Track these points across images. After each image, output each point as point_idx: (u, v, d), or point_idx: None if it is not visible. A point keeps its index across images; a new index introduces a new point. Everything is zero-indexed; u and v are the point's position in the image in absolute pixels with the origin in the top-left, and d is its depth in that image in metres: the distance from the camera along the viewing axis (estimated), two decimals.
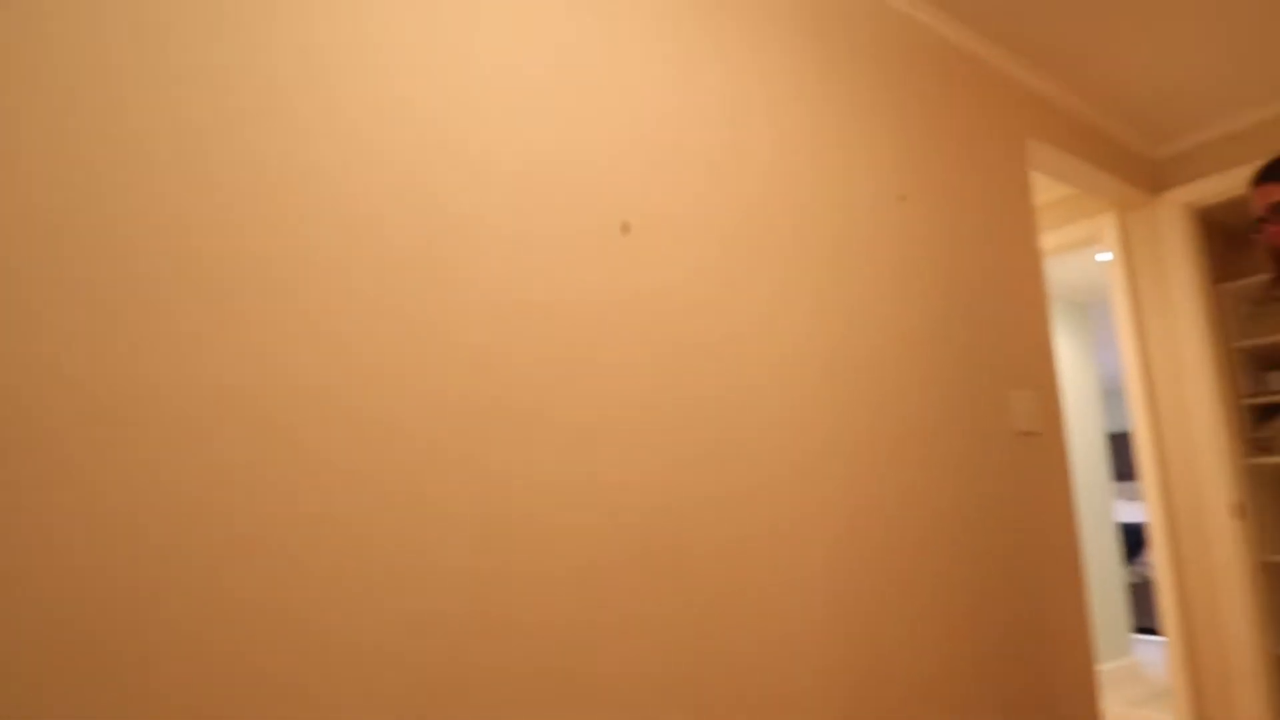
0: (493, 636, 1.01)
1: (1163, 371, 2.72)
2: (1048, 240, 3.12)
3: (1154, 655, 4.39)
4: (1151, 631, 5.19)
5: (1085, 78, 2.38)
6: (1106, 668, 3.85)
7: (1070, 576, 1.93)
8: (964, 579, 1.67)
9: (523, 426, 1.10)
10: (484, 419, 1.06)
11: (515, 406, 1.10)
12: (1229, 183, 2.61)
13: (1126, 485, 7.33)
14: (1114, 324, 4.99)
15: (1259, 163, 2.49)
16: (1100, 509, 4.18)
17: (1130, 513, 6.06)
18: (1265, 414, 2.91)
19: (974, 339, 1.88)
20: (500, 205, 1.14)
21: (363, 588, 0.92)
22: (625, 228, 1.29)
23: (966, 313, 1.88)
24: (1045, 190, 3.11)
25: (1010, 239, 2.07)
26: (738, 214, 1.46)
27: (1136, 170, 2.75)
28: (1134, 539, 5.36)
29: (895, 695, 1.47)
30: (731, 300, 1.41)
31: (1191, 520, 2.59)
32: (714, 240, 1.41)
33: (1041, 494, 1.92)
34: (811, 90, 1.67)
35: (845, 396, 1.55)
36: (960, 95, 2.06)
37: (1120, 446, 7.25)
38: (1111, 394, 7.76)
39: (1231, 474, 2.53)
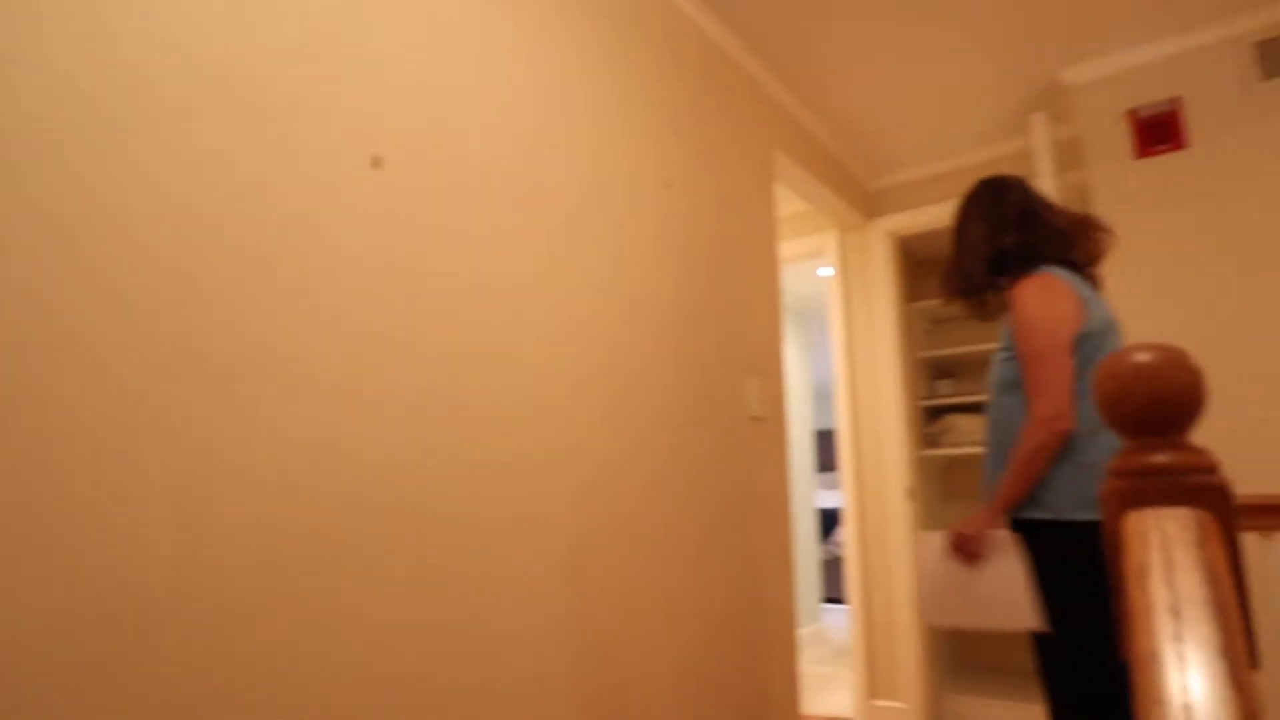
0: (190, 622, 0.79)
1: (864, 376, 3.12)
2: (779, 250, 3.43)
3: (839, 621, 5.10)
4: (838, 601, 6.04)
5: (826, 103, 2.63)
6: (800, 632, 4.37)
7: (783, 551, 2.11)
8: (699, 549, 1.73)
9: (242, 380, 0.88)
10: (198, 374, 0.83)
11: (236, 354, 0.88)
12: (923, 218, 3.07)
13: (824, 475, 8.48)
14: (828, 332, 5.72)
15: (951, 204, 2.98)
16: (804, 494, 4.73)
17: (826, 499, 6.99)
18: (935, 415, 3.48)
19: (718, 326, 1.96)
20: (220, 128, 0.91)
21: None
22: (376, 162, 1.11)
23: (713, 300, 1.96)
24: (780, 203, 3.42)
25: (755, 239, 2.21)
26: (504, 167, 1.34)
27: (857, 196, 3.13)
28: (828, 521, 6.19)
29: (627, 659, 1.46)
30: (492, 257, 1.29)
31: (876, 503, 3.00)
32: (476, 186, 1.28)
33: (766, 475, 2.07)
34: (589, 60, 1.61)
35: (597, 368, 1.51)
36: (723, 98, 2.15)
37: (822, 442, 8.35)
38: (818, 396, 8.90)
39: (908, 464, 2.97)
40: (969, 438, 3.12)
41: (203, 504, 0.86)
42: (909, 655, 2.80)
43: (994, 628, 1.48)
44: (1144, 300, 2.16)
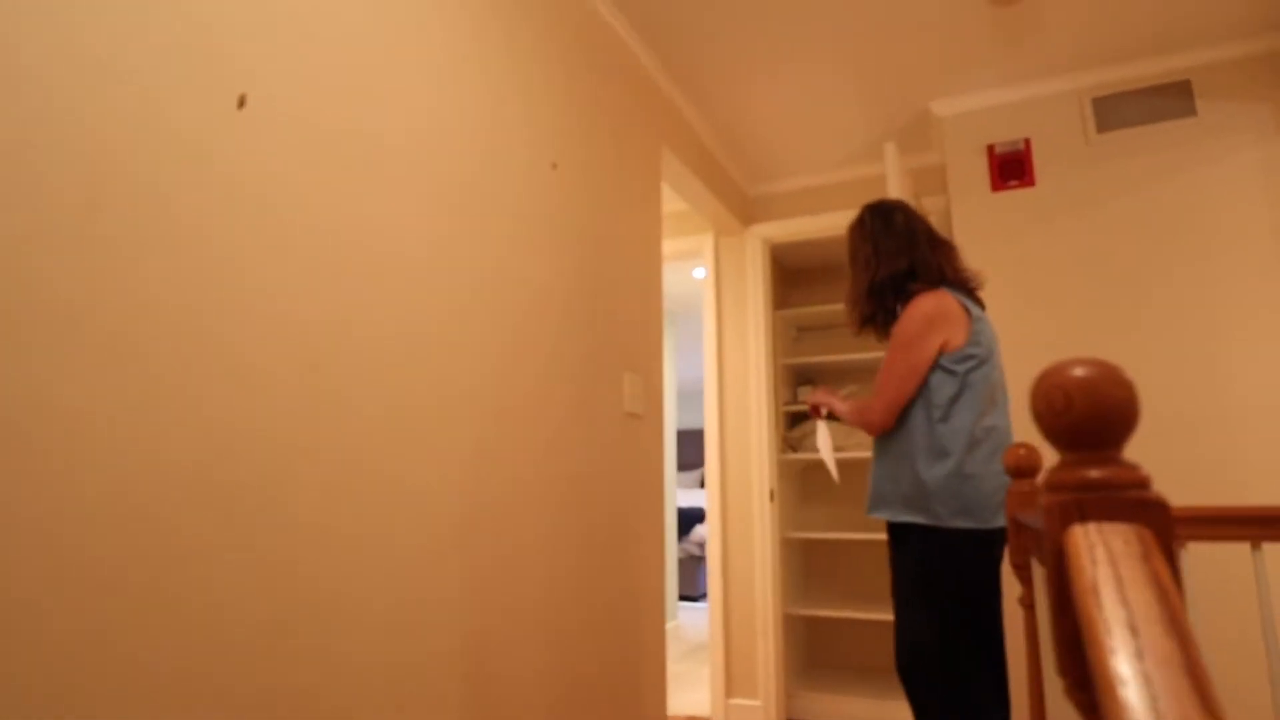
0: None
1: (733, 379, 3.18)
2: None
3: (692, 619, 5.21)
4: (690, 599, 6.19)
5: (712, 106, 2.65)
6: None
7: (657, 547, 2.09)
8: (580, 542, 1.67)
9: (70, 329, 0.70)
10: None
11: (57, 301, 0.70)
12: (796, 228, 3.18)
13: (683, 474, 8.68)
14: (699, 334, 5.85)
15: (823, 215, 3.10)
16: (666, 493, 4.79)
17: (683, 498, 7.15)
18: (795, 420, 3.62)
19: (599, 318, 1.90)
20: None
21: None
22: (241, 101, 0.95)
23: (596, 292, 1.90)
24: (665, 201, 3.42)
25: (641, 234, 2.17)
26: (396, 126, 1.20)
27: (735, 201, 3.18)
28: (684, 521, 6.32)
29: (507, 645, 1.36)
30: (365, 215, 1.15)
31: (739, 503, 3.07)
32: (352, 140, 1.13)
33: (642, 471, 2.04)
34: (488, 36, 1.49)
35: (478, 349, 1.41)
36: (616, 86, 2.09)
37: (682, 441, 8.54)
38: (680, 395, 9.10)
39: (770, 466, 3.07)
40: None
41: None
42: (767, 653, 2.88)
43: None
44: (998, 319, 2.35)
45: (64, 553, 0.74)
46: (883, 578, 3.42)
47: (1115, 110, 2.29)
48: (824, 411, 1.89)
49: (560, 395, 1.68)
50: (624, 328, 2.02)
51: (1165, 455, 2.09)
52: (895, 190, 2.20)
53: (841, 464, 3.60)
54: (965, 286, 1.67)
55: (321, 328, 1.07)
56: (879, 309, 1.69)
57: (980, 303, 1.69)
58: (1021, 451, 1.34)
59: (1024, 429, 2.10)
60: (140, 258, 0.83)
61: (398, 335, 1.22)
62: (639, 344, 2.10)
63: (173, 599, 0.83)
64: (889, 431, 1.64)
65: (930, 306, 1.56)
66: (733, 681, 2.93)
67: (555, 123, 1.74)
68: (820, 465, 3.63)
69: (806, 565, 3.60)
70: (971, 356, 1.56)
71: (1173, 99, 2.22)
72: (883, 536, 2.99)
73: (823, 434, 1.94)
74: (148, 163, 0.85)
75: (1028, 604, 1.29)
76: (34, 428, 0.72)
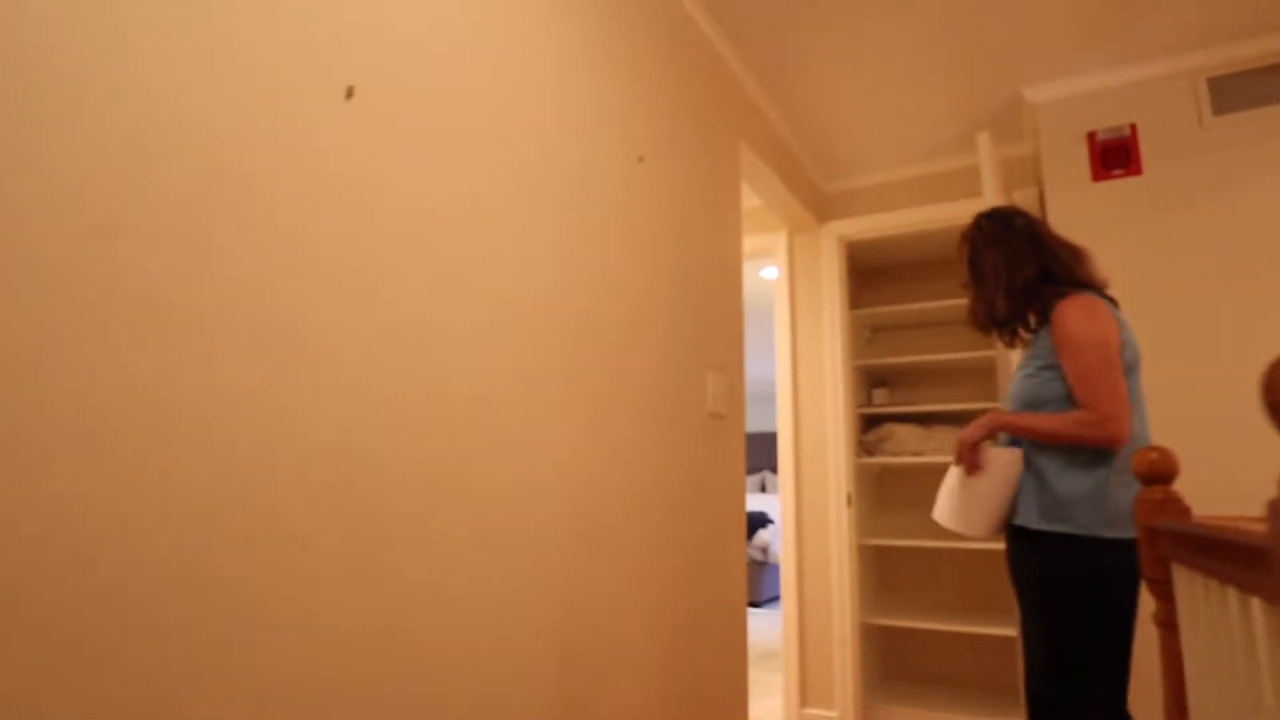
0: None
1: (808, 380, 3.09)
2: None
3: (755, 624, 5.12)
4: (754, 604, 6.09)
5: (791, 99, 2.58)
6: None
7: (739, 552, 2.03)
8: (678, 554, 1.63)
9: (176, 327, 0.70)
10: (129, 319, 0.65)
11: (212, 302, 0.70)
12: (873, 224, 3.07)
13: (750, 477, 8.57)
14: (766, 334, 5.75)
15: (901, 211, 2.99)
16: None
17: (750, 502, 7.05)
18: (870, 423, 3.50)
19: (686, 315, 1.86)
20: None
21: None
22: (350, 93, 0.94)
23: (685, 288, 1.85)
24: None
25: (721, 229, 2.12)
26: (470, 109, 1.19)
27: (811, 197, 3.10)
28: (750, 524, 6.23)
29: (604, 659, 1.33)
30: (467, 218, 1.13)
31: (815, 507, 2.97)
32: (445, 127, 1.12)
33: (724, 473, 1.99)
34: (559, 14, 1.47)
35: (574, 347, 1.38)
36: (694, 77, 2.05)
37: (749, 443, 8.45)
38: (750, 397, 8.97)
39: (847, 470, 2.97)
40: (907, 447, 3.15)
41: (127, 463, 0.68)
42: (844, 663, 2.79)
43: (953, 527, 1.65)
44: None
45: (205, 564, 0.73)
46: (962, 587, 3.27)
47: (1233, 91, 2.12)
48: (983, 457, 1.62)
49: (653, 395, 1.65)
50: (707, 326, 1.97)
51: None
52: (989, 182, 2.09)
53: (915, 469, 3.46)
54: (1102, 290, 1.60)
55: (423, 320, 1.05)
56: (1015, 316, 1.66)
57: (1117, 305, 1.60)
58: (1154, 455, 1.24)
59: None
60: (244, 249, 0.83)
61: (497, 331, 1.20)
62: (721, 342, 2.04)
63: (286, 600, 0.82)
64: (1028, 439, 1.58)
65: (1090, 308, 1.51)
66: (807, 691, 2.84)
67: (635, 112, 1.71)
68: (897, 469, 3.51)
69: (882, 573, 3.47)
70: (1124, 366, 1.50)
71: None
72: (964, 545, 2.86)
73: (952, 478, 1.73)
74: (262, 153, 0.85)
75: (1166, 622, 1.19)
76: (146, 419, 0.72)
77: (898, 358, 3.25)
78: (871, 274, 3.77)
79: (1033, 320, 1.65)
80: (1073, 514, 1.47)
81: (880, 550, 3.46)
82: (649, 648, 1.56)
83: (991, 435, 1.61)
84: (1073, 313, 1.52)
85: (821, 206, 3.21)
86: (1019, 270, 1.62)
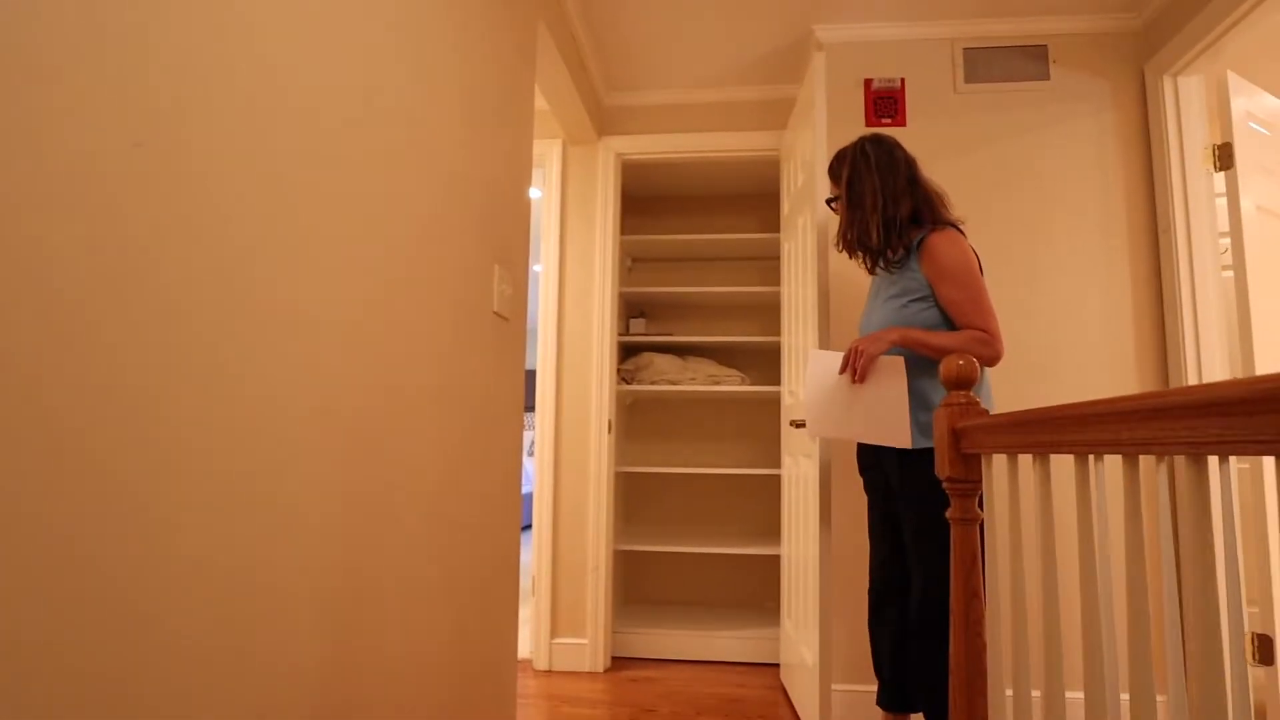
0: None
1: (574, 305, 2.93)
2: None
3: None
4: None
5: None
6: None
7: (513, 468, 1.82)
8: (457, 453, 1.34)
9: None
10: None
11: None
12: (650, 145, 2.97)
13: None
14: (543, 249, 5.43)
15: (685, 134, 2.93)
16: None
17: None
18: (627, 352, 3.48)
19: (474, 194, 1.56)
20: None
21: None
22: None
23: (478, 163, 1.55)
24: None
25: (514, 113, 1.83)
26: None
27: (594, 106, 2.90)
28: None
29: (385, 555, 1.03)
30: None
31: (575, 436, 2.86)
32: None
33: (505, 382, 1.75)
34: None
35: (355, 233, 1.03)
36: None
37: None
38: None
39: (610, 398, 2.89)
40: (665, 376, 3.17)
41: None
42: (597, 591, 2.74)
43: (872, 440, 1.66)
44: None
45: None
46: (697, 510, 3.44)
47: (982, 63, 2.37)
48: (859, 362, 1.67)
49: (435, 287, 1.33)
50: (496, 214, 1.68)
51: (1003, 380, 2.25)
52: (820, 107, 2.08)
53: (669, 398, 3.53)
54: (958, 227, 1.72)
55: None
56: (885, 246, 1.71)
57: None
58: (961, 363, 1.28)
59: None
60: None
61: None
62: (509, 235, 1.77)
63: None
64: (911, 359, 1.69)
65: (960, 241, 1.65)
66: (558, 620, 2.75)
67: None
68: (653, 398, 3.55)
69: (629, 500, 3.51)
70: None
71: (1031, 61, 2.35)
72: (708, 471, 2.97)
73: (835, 389, 1.72)
74: None
75: (964, 518, 1.24)
76: None
77: (657, 288, 3.24)
78: (635, 202, 3.72)
79: (897, 253, 1.71)
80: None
81: (629, 477, 3.49)
82: (430, 550, 1.29)
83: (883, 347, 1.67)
84: (949, 244, 1.63)
85: (601, 120, 3.03)
86: (899, 203, 1.69)
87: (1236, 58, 2.31)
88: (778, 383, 3.38)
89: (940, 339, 1.63)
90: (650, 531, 3.34)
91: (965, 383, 1.28)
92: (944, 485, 1.27)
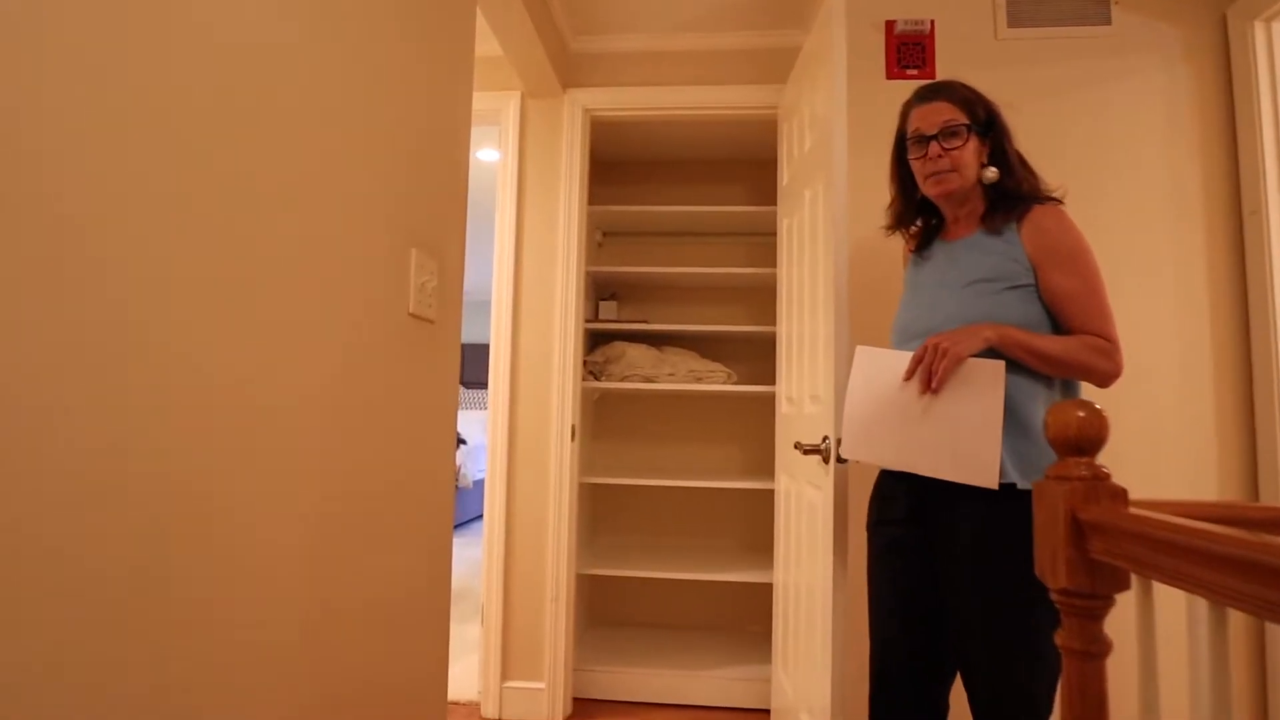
0: None
1: (534, 286, 2.48)
2: None
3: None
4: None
5: None
6: None
7: (444, 495, 1.38)
8: (329, 534, 0.91)
9: None
10: None
11: None
12: (626, 100, 2.50)
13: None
14: (485, 227, 4.92)
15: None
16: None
17: None
18: (595, 340, 3.04)
19: (381, 163, 1.10)
20: None
21: None
22: None
23: (375, 120, 1.08)
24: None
25: (447, 47, 1.35)
26: None
27: (557, 51, 2.41)
28: None
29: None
30: None
31: (534, 441, 2.43)
32: None
33: (429, 399, 1.30)
34: None
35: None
36: None
37: None
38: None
39: (574, 397, 2.46)
40: (638, 370, 2.74)
41: None
42: (556, 626, 2.33)
43: (942, 474, 1.24)
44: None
45: None
46: (674, 523, 3.05)
47: (1029, 3, 1.94)
48: (937, 370, 1.25)
49: (309, 288, 0.88)
50: (418, 181, 1.22)
51: None
52: (839, 51, 1.62)
53: (643, 396, 3.11)
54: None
55: None
56: (1000, 211, 1.36)
57: None
58: (1081, 414, 0.87)
59: None
60: None
61: None
62: (438, 208, 1.31)
63: None
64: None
65: (1068, 218, 1.31)
66: (511, 658, 2.35)
67: None
68: (623, 396, 3.12)
69: (596, 513, 3.10)
70: None
71: (1089, 1, 1.92)
72: (688, 484, 2.57)
73: (900, 400, 1.32)
74: None
75: (1085, 650, 0.85)
76: None
77: (631, 267, 2.79)
78: (606, 167, 3.24)
79: (989, 224, 1.36)
80: (1043, 469, 1.21)
81: (597, 487, 3.07)
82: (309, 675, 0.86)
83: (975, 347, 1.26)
84: (1066, 220, 1.29)
85: (566, 68, 2.54)
86: (1021, 170, 1.38)
87: None
88: (771, 380, 2.97)
89: (1051, 344, 1.24)
90: (620, 550, 2.93)
91: (1090, 444, 0.87)
92: (1055, 597, 0.87)
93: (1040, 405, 1.27)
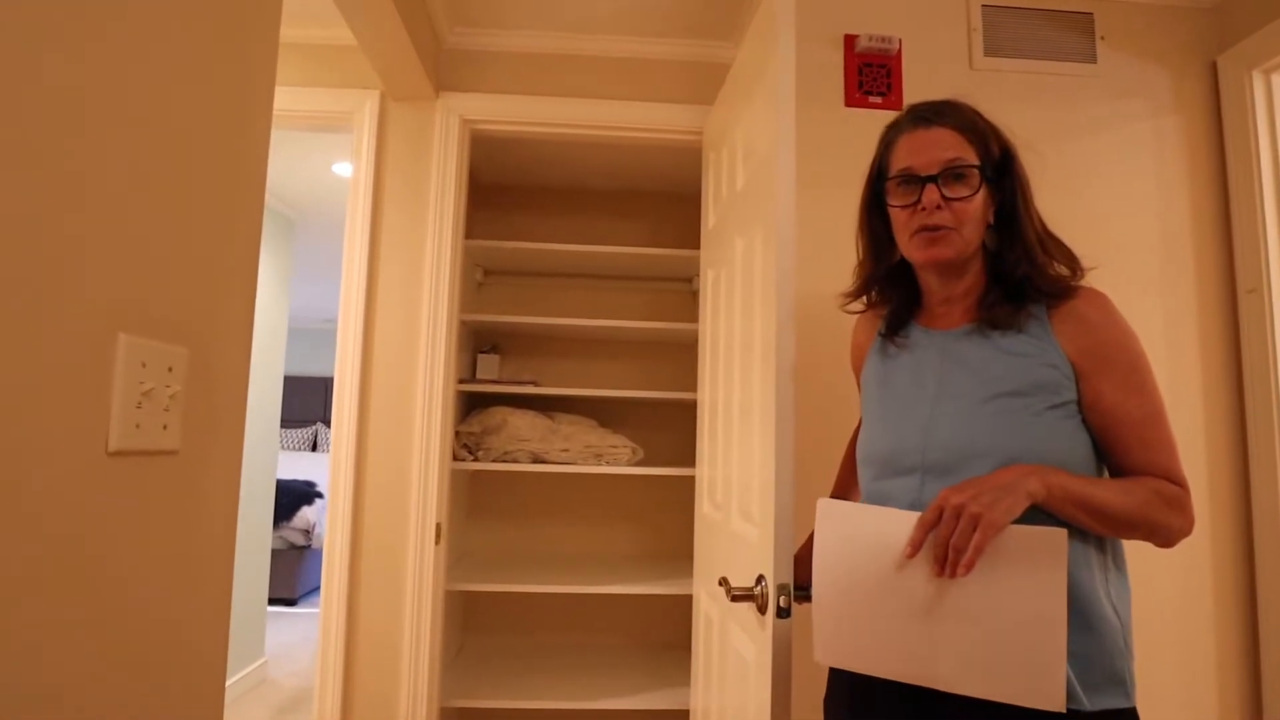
0: None
1: (393, 340, 1.93)
2: (279, 97, 1.96)
3: (288, 639, 3.76)
4: (287, 601, 4.65)
5: None
6: (237, 679, 2.92)
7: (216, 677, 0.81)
8: None
9: None
10: None
11: None
12: (506, 110, 2.00)
13: (289, 432, 6.84)
14: (326, 252, 4.24)
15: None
16: (263, 472, 3.27)
17: (286, 468, 5.46)
18: (472, 404, 2.50)
19: (71, 200, 0.56)
20: None
21: None
22: None
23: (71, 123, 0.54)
24: (301, 21, 1.94)
25: (224, 49, 0.82)
26: None
27: (428, 44, 1.89)
28: (287, 500, 4.71)
29: None
30: None
31: (387, 540, 1.86)
32: None
33: (172, 585, 0.74)
34: None
35: None
36: None
37: (299, 390, 6.68)
38: (296, 334, 7.19)
39: (440, 487, 1.92)
40: (524, 444, 2.22)
41: None
42: None
43: (974, 693, 0.84)
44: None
45: None
46: (573, 625, 2.53)
47: (1009, 30, 1.63)
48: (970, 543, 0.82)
49: None
50: (136, 229, 0.68)
51: None
52: (784, 66, 1.19)
53: (513, 478, 2.59)
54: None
55: None
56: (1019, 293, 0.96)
57: None
58: None
59: None
60: None
61: None
62: (196, 277, 0.76)
63: None
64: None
65: (1114, 308, 0.94)
66: None
67: None
68: (502, 477, 2.58)
69: (466, 621, 2.54)
70: None
71: (1073, 34, 1.64)
72: (585, 590, 2.06)
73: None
74: None
75: None
76: None
77: (521, 316, 2.29)
78: (489, 192, 2.73)
79: (998, 314, 0.97)
80: (1126, 668, 0.88)
81: (470, 594, 2.51)
82: None
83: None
84: (1114, 311, 0.92)
85: (440, 67, 2.02)
86: (1045, 234, 0.99)
87: None
88: (689, 457, 2.53)
89: (1112, 496, 0.86)
90: (499, 666, 2.37)
91: None
92: None
93: (1098, 580, 0.89)
